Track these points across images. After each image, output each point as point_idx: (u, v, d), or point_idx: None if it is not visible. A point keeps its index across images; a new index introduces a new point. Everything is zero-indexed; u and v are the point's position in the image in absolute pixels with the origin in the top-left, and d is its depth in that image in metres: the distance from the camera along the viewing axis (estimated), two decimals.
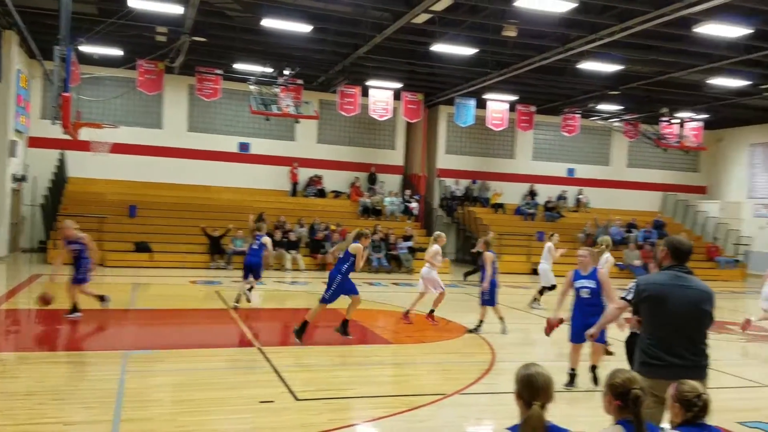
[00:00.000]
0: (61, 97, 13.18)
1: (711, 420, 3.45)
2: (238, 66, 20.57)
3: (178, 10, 15.13)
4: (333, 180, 25.49)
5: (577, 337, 7.49)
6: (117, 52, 19.13)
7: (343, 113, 22.52)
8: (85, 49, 17.51)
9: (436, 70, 20.98)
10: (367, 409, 6.68)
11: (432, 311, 11.55)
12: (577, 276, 7.61)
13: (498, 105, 23.66)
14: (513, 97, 23.51)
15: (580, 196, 27.86)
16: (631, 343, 6.32)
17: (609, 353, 8.31)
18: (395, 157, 26.69)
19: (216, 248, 20.01)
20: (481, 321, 10.93)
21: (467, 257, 23.35)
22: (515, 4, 13.71)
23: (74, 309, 10.48)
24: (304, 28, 16.28)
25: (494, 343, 10.05)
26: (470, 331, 10.83)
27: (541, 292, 14.39)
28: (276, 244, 18.44)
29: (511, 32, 16.00)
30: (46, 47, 16.81)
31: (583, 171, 28.33)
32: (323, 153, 25.41)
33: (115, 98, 21.83)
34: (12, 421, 5.65)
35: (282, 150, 24.78)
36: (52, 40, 14.03)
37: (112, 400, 6.29)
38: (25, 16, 15.76)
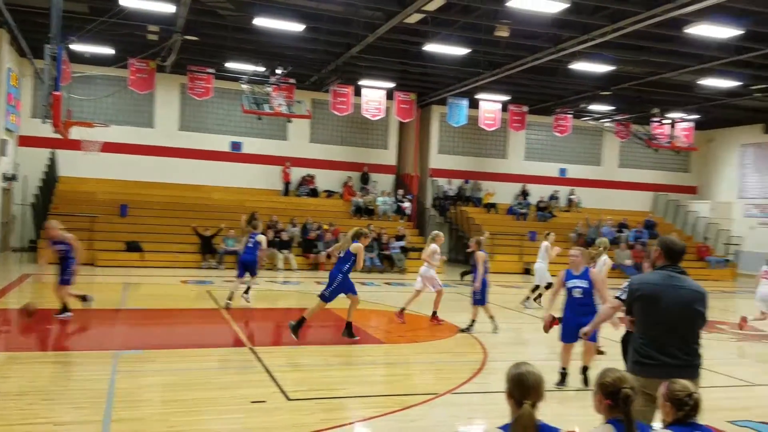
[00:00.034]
0: (52, 95, 13.12)
1: (702, 419, 3.46)
2: (230, 65, 20.51)
3: (169, 8, 15.08)
4: (325, 179, 25.47)
5: (568, 337, 7.51)
6: (108, 50, 19.03)
7: (335, 113, 22.49)
8: (77, 47, 17.43)
9: (428, 69, 21.00)
10: (359, 408, 6.68)
11: (435, 313, 11.56)
12: (569, 276, 7.61)
13: (490, 105, 23.70)
14: (505, 97, 23.55)
15: (572, 196, 27.96)
16: (626, 341, 6.34)
17: (600, 353, 8.35)
18: (388, 156, 26.69)
19: (207, 248, 19.96)
20: (473, 321, 10.95)
21: (460, 257, 23.37)
22: (507, 4, 13.74)
23: (64, 309, 10.42)
24: (296, 27, 16.26)
25: (486, 342, 10.07)
26: (462, 331, 10.84)
27: (534, 290, 14.42)
28: (268, 243, 18.38)
29: (503, 32, 16.02)
30: (37, 46, 16.71)
31: (574, 171, 28.43)
32: (316, 152, 25.39)
33: (106, 97, 21.74)
34: (2, 421, 5.62)
35: (274, 149, 24.74)
36: (43, 38, 13.96)
37: (102, 401, 6.26)
38: (16, 14, 15.67)
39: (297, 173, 25.07)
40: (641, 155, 28.31)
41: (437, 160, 26.83)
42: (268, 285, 16.50)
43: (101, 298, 11.82)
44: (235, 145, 24.40)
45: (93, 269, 18.14)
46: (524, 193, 27.21)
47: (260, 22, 15.96)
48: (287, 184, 24.77)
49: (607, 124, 26.87)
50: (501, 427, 3.06)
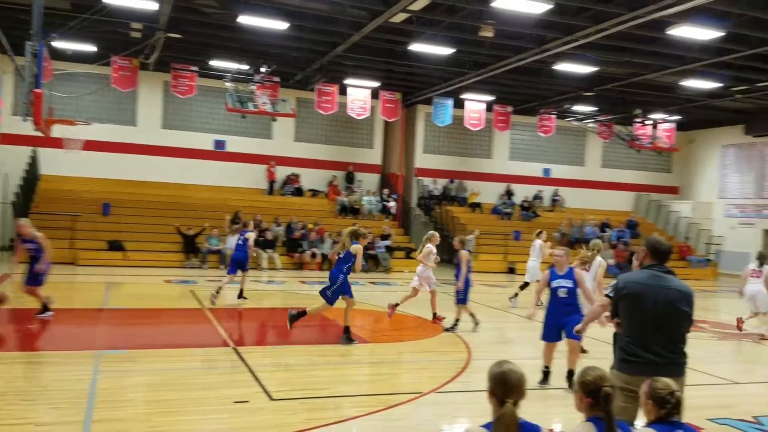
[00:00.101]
0: (33, 93, 12.92)
1: (682, 417, 3.50)
2: (214, 63, 20.40)
3: (153, 6, 14.96)
4: (310, 178, 25.40)
5: (550, 336, 7.54)
6: (91, 48, 18.85)
7: (320, 111, 22.44)
8: (58, 44, 17.24)
9: (413, 69, 21.02)
10: (344, 408, 6.67)
11: (435, 314, 11.55)
12: (554, 275, 7.61)
13: (475, 105, 23.78)
14: (490, 98, 23.64)
15: (556, 197, 28.13)
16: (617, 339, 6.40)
17: (583, 351, 8.40)
18: (373, 156, 26.68)
19: (191, 247, 19.83)
20: (457, 320, 10.97)
21: (445, 256, 23.38)
22: (492, 4, 13.78)
23: (45, 308, 10.30)
24: (281, 25, 16.19)
25: (470, 341, 10.10)
26: (447, 330, 10.87)
27: (524, 287, 14.48)
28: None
29: (488, 33, 16.09)
30: (17, 42, 16.46)
31: (558, 171, 28.61)
32: (300, 151, 25.31)
33: (88, 95, 21.50)
34: None
35: (258, 148, 24.64)
36: (24, 35, 13.74)
37: (83, 401, 6.20)
38: None
39: (281, 172, 24.97)
40: (624, 156, 28.54)
41: (422, 159, 26.87)
42: (253, 284, 16.42)
43: (83, 298, 11.71)
44: (219, 144, 24.27)
45: (75, 268, 17.98)
46: (509, 193, 27.33)
47: (244, 20, 15.87)
48: (272, 183, 24.67)
49: (591, 125, 27.07)
50: (484, 426, 3.07)
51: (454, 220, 24.89)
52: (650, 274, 4.52)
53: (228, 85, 20.17)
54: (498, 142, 27.72)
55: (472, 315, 11.10)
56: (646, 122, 25.45)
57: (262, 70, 19.79)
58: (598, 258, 9.85)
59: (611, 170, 29.38)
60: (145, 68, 20.55)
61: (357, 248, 9.48)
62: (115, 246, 19.52)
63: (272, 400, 6.61)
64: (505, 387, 3.10)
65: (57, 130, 16.31)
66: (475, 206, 26.53)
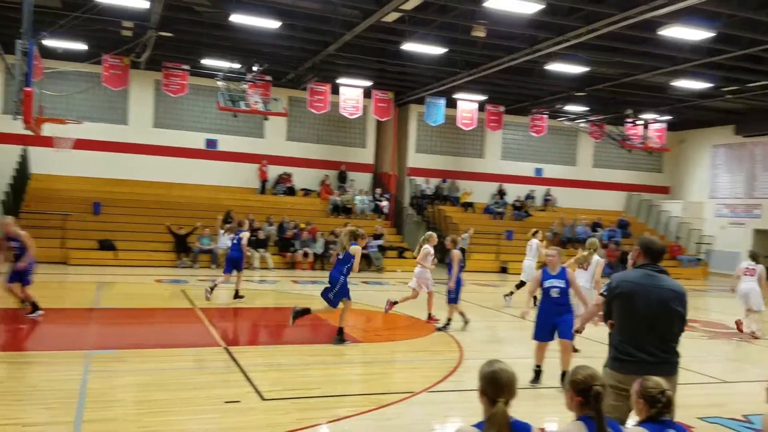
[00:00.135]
0: (23, 91, 12.86)
1: (674, 416, 3.51)
2: (206, 62, 20.32)
3: (144, 4, 14.89)
4: (302, 178, 25.36)
5: (542, 336, 7.56)
6: (81, 46, 18.74)
7: (312, 111, 22.40)
8: (49, 43, 17.13)
9: (406, 68, 21.02)
10: (335, 408, 6.66)
11: (430, 315, 11.58)
12: (546, 275, 7.62)
13: (468, 105, 23.80)
14: (482, 97, 23.67)
15: (548, 196, 28.21)
16: None
17: (575, 350, 8.42)
18: (365, 155, 26.66)
19: (182, 246, 19.76)
20: (449, 319, 10.99)
21: (437, 256, 23.41)
22: (484, 4, 13.80)
23: (35, 308, 10.25)
24: (272, 24, 16.15)
25: (462, 341, 10.11)
26: (439, 329, 10.88)
27: (519, 286, 14.51)
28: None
29: (480, 33, 16.11)
30: (7, 41, 16.34)
31: (550, 171, 28.67)
32: (293, 150, 25.26)
33: (79, 93, 21.37)
34: None
35: (250, 147, 24.56)
36: (14, 33, 13.67)
37: (74, 401, 6.17)
38: None
39: (274, 171, 24.92)
40: (615, 156, 28.64)
41: (415, 159, 26.88)
42: (244, 284, 16.37)
43: (74, 297, 11.65)
44: (211, 143, 24.19)
45: (66, 268, 17.89)
46: (501, 193, 27.38)
47: (236, 18, 15.82)
48: (264, 182, 24.61)
49: (582, 125, 27.16)
50: (476, 425, 3.07)
51: (447, 220, 24.92)
52: (643, 273, 4.53)
53: (220, 84, 20.10)
54: (490, 142, 27.76)
55: (462, 314, 11.12)
56: (637, 122, 25.55)
57: (254, 69, 19.73)
58: (596, 256, 9.87)
59: (602, 170, 29.48)
60: (137, 67, 20.45)
61: (356, 249, 9.48)
62: (106, 245, 19.43)
63: (264, 400, 6.59)
64: (497, 386, 3.10)
65: (47, 129, 16.24)
66: (468, 206, 26.56)
